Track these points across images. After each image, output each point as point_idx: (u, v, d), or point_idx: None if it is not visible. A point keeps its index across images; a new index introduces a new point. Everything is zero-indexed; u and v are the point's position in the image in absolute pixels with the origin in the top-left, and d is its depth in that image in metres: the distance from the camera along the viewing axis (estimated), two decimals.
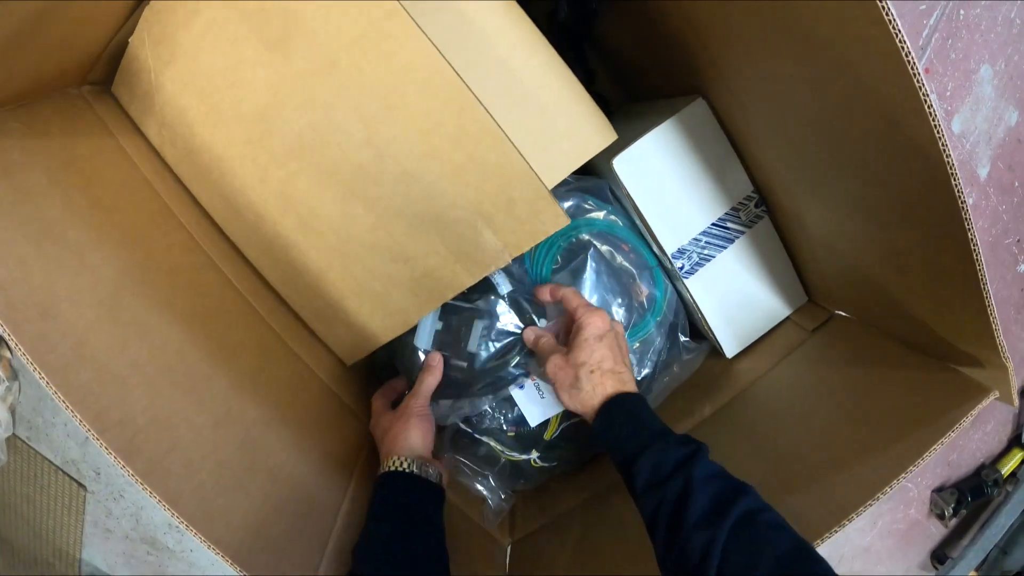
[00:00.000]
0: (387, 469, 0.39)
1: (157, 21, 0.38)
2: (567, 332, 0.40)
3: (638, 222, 0.46)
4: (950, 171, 0.25)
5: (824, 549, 0.28)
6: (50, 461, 1.05)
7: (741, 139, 0.43)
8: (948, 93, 0.84)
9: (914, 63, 0.23)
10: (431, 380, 0.42)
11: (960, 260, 0.28)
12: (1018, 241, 0.96)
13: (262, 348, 0.41)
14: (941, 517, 1.05)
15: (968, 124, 0.87)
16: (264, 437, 0.36)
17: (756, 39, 0.33)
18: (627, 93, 0.59)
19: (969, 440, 1.04)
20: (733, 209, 0.45)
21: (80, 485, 1.04)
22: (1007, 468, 1.06)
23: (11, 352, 1.02)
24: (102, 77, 0.43)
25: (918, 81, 0.23)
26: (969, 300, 0.29)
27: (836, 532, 0.29)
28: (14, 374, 1.01)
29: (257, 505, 0.31)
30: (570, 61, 0.57)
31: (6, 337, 0.24)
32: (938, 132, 0.24)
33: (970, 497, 1.03)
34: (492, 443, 0.43)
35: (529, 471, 0.46)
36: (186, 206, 0.43)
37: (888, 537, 1.07)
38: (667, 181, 0.43)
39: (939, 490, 1.05)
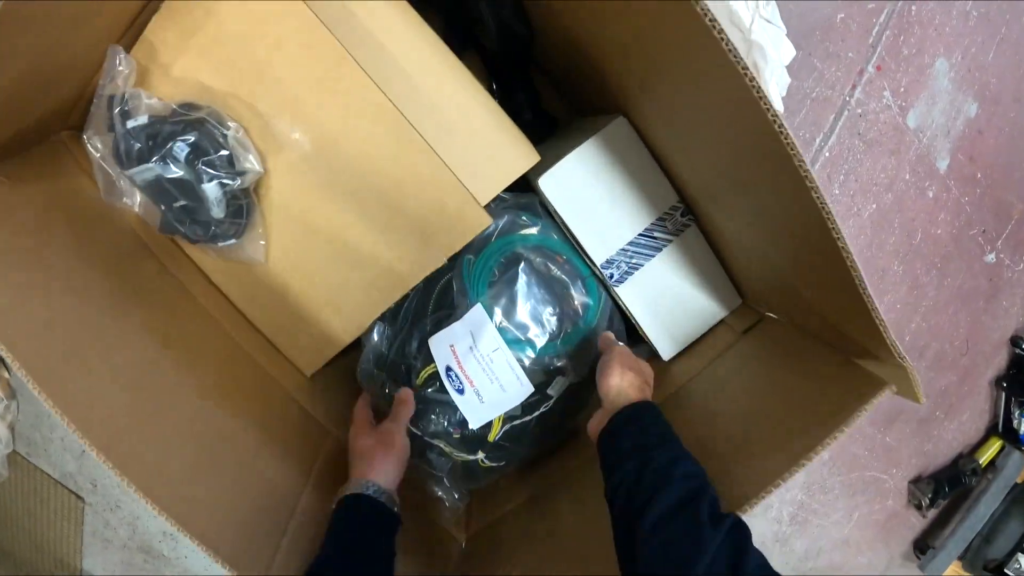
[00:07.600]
0: (355, 491, 0.41)
1: None
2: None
3: (568, 235, 0.51)
4: (815, 196, 0.29)
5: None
6: (48, 475, 1.11)
7: (665, 153, 0.48)
8: (902, 89, 0.87)
9: (779, 120, 0.27)
10: (407, 412, 0.47)
11: (840, 270, 0.31)
12: (983, 231, 0.98)
13: (229, 360, 0.47)
14: (919, 507, 1.08)
15: (924, 118, 0.90)
16: (233, 435, 0.42)
17: (682, 69, 0.37)
18: (573, 107, 0.64)
19: (944, 431, 1.08)
20: (659, 219, 0.50)
21: (78, 497, 1.11)
22: (985, 457, 1.09)
23: (9, 372, 1.08)
24: (78, 123, 0.49)
25: (778, 125, 0.28)
26: (857, 306, 0.32)
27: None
28: (12, 393, 1.07)
29: (226, 489, 0.38)
30: (517, 84, 0.62)
31: (4, 355, 0.29)
32: (799, 163, 0.28)
33: (947, 487, 1.06)
34: (442, 445, 0.49)
35: (479, 471, 0.51)
36: (155, 238, 0.48)
37: (867, 528, 1.10)
38: (592, 196, 0.49)
39: (916, 481, 1.09)
